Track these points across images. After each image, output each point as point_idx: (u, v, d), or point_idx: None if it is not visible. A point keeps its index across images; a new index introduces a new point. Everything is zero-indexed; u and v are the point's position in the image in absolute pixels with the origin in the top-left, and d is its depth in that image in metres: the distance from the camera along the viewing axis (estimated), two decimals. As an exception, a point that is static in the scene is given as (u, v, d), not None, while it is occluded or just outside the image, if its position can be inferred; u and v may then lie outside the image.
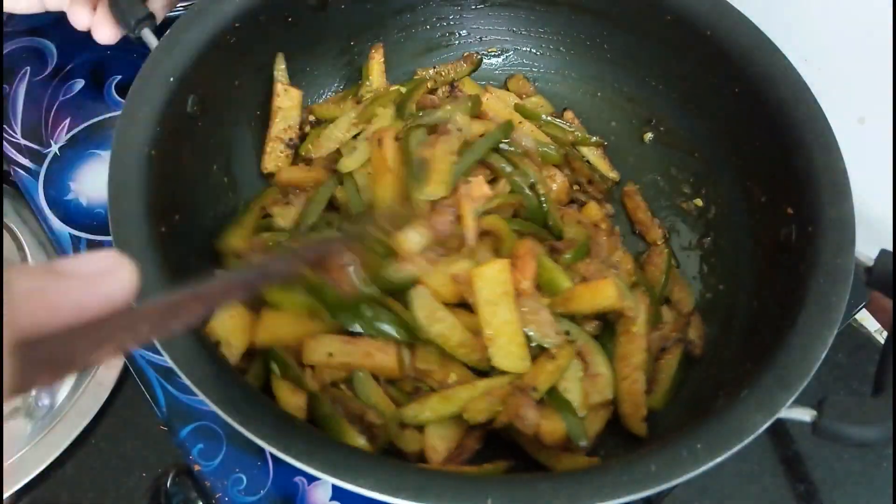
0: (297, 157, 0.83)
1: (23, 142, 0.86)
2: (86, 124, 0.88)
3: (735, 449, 0.52)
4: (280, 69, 0.83)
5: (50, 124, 0.88)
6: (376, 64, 0.87)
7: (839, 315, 0.58)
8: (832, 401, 0.54)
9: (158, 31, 0.74)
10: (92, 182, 0.84)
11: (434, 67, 0.91)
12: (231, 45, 0.75)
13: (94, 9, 0.81)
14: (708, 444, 0.52)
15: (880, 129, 0.85)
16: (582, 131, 0.88)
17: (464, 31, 0.92)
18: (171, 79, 0.69)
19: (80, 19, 0.82)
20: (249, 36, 0.77)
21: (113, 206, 0.62)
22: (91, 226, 0.81)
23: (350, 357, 0.66)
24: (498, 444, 0.68)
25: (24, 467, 0.70)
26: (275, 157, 0.81)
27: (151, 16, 0.76)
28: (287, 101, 0.82)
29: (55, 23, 0.85)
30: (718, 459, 0.52)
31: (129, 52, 0.86)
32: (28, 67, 0.92)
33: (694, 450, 0.52)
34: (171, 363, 0.55)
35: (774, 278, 0.68)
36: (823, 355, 0.56)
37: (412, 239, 0.69)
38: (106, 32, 0.81)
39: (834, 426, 0.53)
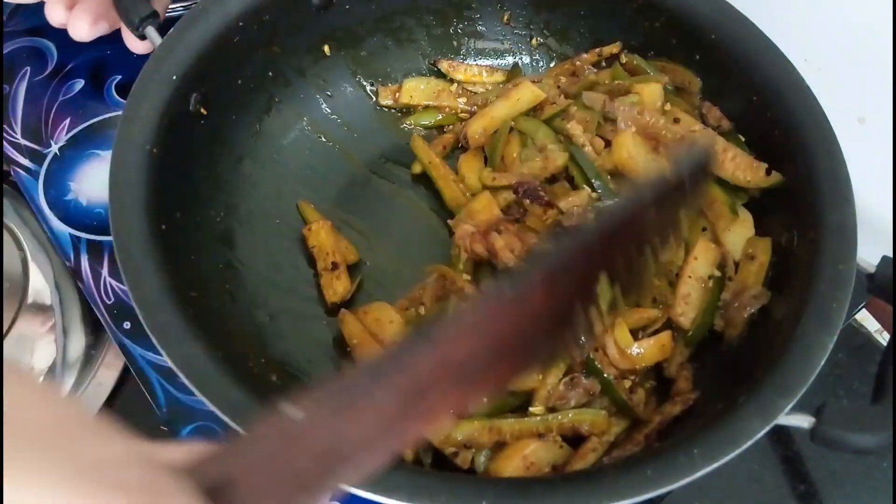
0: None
1: (23, 142, 0.86)
2: (86, 124, 0.88)
3: (732, 455, 0.52)
4: None
5: (50, 124, 0.88)
6: None
7: (840, 322, 0.57)
8: (831, 407, 0.53)
9: (161, 32, 0.74)
10: (92, 182, 0.84)
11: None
12: (235, 44, 0.75)
13: (71, 8, 0.81)
14: (705, 450, 0.52)
15: (880, 129, 0.85)
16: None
17: (473, 35, 0.92)
18: (174, 77, 0.70)
19: (55, 15, 0.82)
20: (253, 35, 0.77)
21: (113, 202, 0.62)
22: (91, 226, 0.81)
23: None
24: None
25: (25, 467, 0.71)
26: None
27: (156, 14, 0.76)
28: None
29: (55, 22, 0.85)
30: (715, 465, 0.52)
31: (130, 53, 0.85)
32: (28, 67, 0.92)
33: (691, 455, 0.52)
34: (168, 361, 0.55)
35: (775, 284, 0.68)
36: (823, 362, 0.56)
37: None
38: (82, 29, 0.81)
39: (833, 433, 0.53)
